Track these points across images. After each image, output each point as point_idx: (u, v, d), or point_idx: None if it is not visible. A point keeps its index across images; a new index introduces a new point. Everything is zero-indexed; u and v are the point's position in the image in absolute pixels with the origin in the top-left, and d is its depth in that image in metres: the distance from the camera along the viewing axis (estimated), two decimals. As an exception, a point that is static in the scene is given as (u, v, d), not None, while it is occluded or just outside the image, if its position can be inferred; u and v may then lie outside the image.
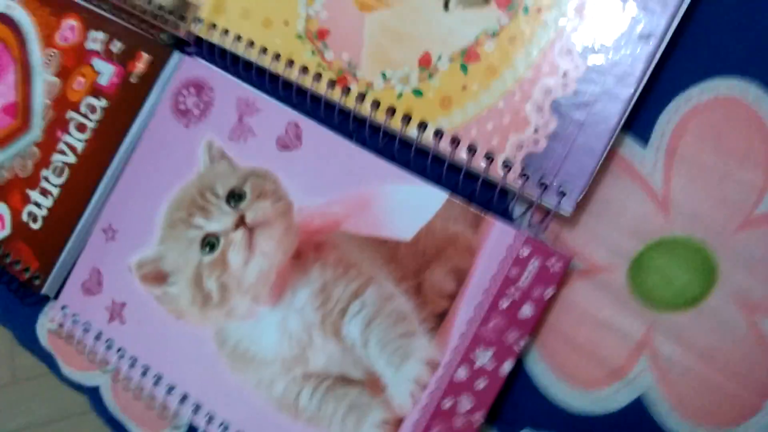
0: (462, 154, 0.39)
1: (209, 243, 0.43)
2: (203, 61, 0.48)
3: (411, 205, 0.41)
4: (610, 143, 0.36)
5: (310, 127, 0.44)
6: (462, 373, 0.38)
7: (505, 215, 0.40)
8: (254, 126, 0.45)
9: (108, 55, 0.51)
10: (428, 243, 0.40)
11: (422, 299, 0.40)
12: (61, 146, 0.51)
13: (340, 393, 0.40)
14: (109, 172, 0.49)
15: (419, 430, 0.38)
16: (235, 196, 0.44)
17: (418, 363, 0.39)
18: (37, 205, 0.51)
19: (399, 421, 0.39)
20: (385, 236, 0.41)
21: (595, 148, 0.36)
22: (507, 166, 0.38)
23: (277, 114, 0.45)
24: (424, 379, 0.39)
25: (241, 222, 0.43)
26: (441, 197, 0.40)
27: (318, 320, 0.41)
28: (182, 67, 0.48)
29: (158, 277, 0.45)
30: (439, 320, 0.39)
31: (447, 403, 0.38)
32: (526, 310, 0.37)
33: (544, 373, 0.38)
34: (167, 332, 0.45)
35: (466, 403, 0.38)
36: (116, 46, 0.51)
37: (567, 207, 0.37)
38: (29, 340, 0.52)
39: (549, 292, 0.37)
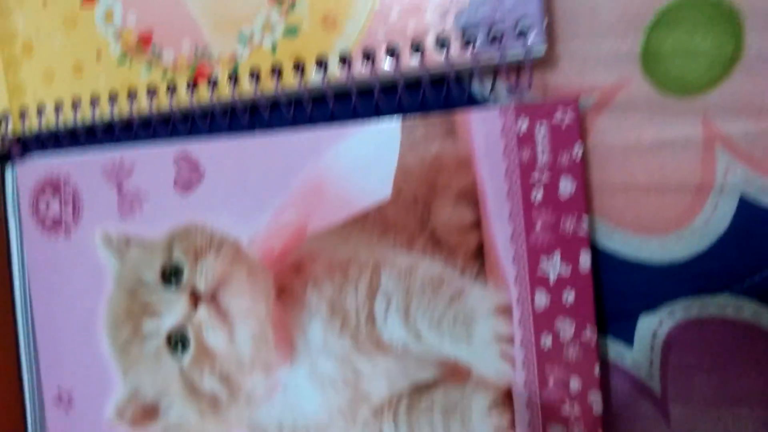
0: (385, 66, 0.30)
1: (177, 341, 0.34)
2: (39, 159, 0.38)
3: (367, 157, 0.32)
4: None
5: (201, 149, 0.34)
6: (542, 298, 0.30)
7: (474, 102, 0.32)
8: (140, 187, 0.35)
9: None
10: (413, 185, 0.31)
11: (446, 248, 0.31)
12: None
13: (425, 405, 0.32)
14: (21, 336, 0.39)
15: (536, 386, 0.30)
16: (170, 275, 0.34)
17: (487, 318, 0.30)
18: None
19: (507, 393, 0.31)
20: (361, 210, 0.32)
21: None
22: (442, 44, 0.30)
23: (156, 158, 0.35)
24: (505, 330, 0.30)
25: (195, 297, 0.33)
26: (394, 127, 0.31)
27: (349, 345, 0.32)
28: (21, 178, 0.38)
29: (147, 414, 0.36)
30: (479, 259, 0.31)
31: (546, 340, 0.30)
32: (566, 186, 0.29)
33: (625, 241, 0.31)
34: (198, 464, 0.36)
35: (566, 326, 0.30)
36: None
37: (538, 44, 0.29)
38: None
39: (577, 150, 0.29)
